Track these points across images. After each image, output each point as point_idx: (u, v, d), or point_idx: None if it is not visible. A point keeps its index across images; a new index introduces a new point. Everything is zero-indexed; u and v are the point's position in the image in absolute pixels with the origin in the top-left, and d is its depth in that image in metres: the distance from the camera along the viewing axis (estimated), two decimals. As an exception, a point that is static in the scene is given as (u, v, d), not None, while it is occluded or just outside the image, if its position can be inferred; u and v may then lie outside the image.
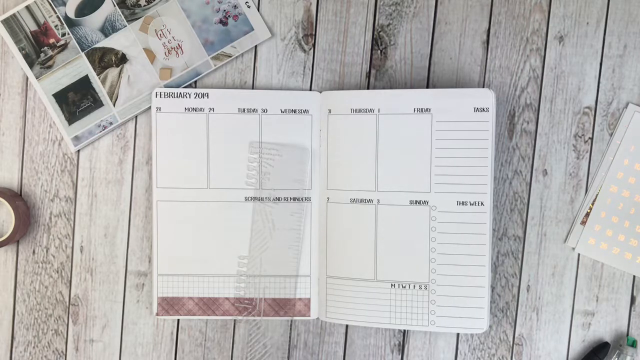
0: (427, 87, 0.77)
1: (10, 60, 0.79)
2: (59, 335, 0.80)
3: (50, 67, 0.77)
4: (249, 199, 0.77)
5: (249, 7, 0.77)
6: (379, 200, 0.74)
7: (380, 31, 0.78)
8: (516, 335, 0.78)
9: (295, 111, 0.77)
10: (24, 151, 0.79)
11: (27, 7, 0.77)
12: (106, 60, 0.78)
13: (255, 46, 0.78)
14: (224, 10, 0.77)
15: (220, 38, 0.77)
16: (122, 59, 0.78)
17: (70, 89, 0.78)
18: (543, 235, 0.77)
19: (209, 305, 0.77)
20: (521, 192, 0.77)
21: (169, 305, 0.77)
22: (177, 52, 0.77)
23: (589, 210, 0.76)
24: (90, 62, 0.78)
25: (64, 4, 0.77)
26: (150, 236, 0.79)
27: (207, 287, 0.77)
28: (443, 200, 0.72)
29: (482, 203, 0.72)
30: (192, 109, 0.76)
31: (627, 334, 0.77)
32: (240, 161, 0.77)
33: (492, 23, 0.77)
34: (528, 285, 0.77)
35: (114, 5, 0.77)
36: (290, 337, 0.79)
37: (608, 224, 0.76)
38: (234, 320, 0.79)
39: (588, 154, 0.77)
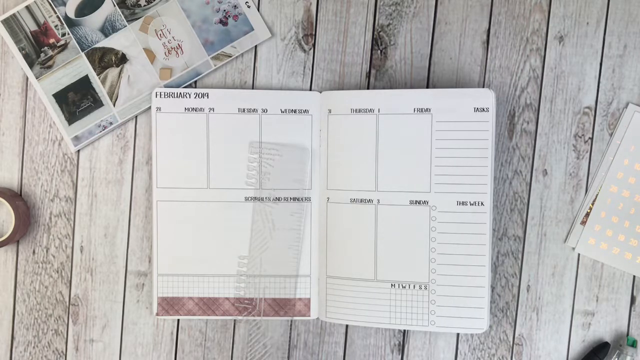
0: (427, 87, 0.77)
1: (10, 60, 0.79)
2: (59, 335, 0.80)
3: (50, 67, 0.77)
4: (249, 199, 0.77)
5: (249, 7, 0.77)
6: (379, 200, 0.74)
7: (380, 31, 0.78)
8: (516, 335, 0.78)
9: (295, 111, 0.77)
10: (24, 151, 0.79)
11: (27, 7, 0.77)
12: (106, 60, 0.78)
13: (255, 46, 0.78)
14: (224, 10, 0.77)
15: (220, 38, 0.77)
16: (122, 59, 0.78)
17: (70, 89, 0.78)
18: (543, 235, 0.77)
19: (209, 305, 0.77)
20: (521, 192, 0.77)
21: (169, 305, 0.77)
22: (177, 52, 0.77)
23: (589, 210, 0.76)
24: (90, 62, 0.78)
25: (64, 4, 0.77)
26: (150, 236, 0.79)
27: (207, 287, 0.77)
28: (443, 200, 0.72)
29: (482, 203, 0.72)
30: (192, 109, 0.76)
31: (627, 334, 0.77)
32: (240, 161, 0.77)
33: (492, 23, 0.77)
34: (528, 285, 0.77)
35: (114, 5, 0.77)
36: (290, 337, 0.79)
37: (608, 224, 0.76)
38: (234, 320, 0.79)
39: (588, 154, 0.77)
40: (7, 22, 0.77)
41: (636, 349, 0.75)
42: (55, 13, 0.77)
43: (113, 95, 0.78)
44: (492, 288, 0.77)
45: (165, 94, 0.76)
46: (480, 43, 0.77)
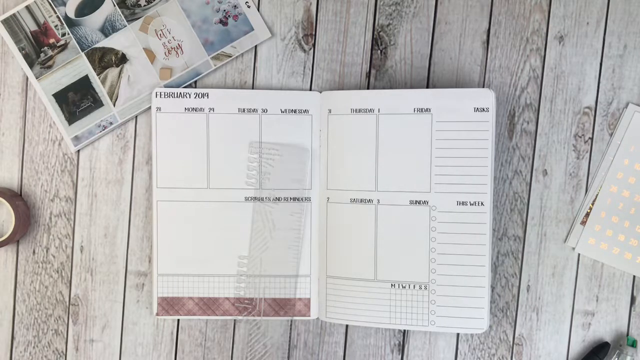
0: (427, 87, 0.77)
1: (10, 60, 0.79)
2: (59, 335, 0.80)
3: (50, 67, 0.77)
4: (249, 199, 0.77)
5: (249, 7, 0.77)
6: (379, 200, 0.74)
7: (380, 31, 0.78)
8: (516, 335, 0.78)
9: (295, 111, 0.77)
10: (24, 151, 0.79)
11: (27, 7, 0.77)
12: (106, 60, 0.78)
13: (255, 46, 0.78)
14: (224, 10, 0.77)
15: (220, 38, 0.77)
16: (122, 59, 0.78)
17: (70, 89, 0.78)
18: (543, 235, 0.77)
19: (209, 305, 0.77)
20: (521, 192, 0.77)
21: (169, 305, 0.77)
22: (177, 52, 0.77)
23: (589, 210, 0.76)
24: (90, 62, 0.78)
25: (64, 4, 0.77)
26: (150, 236, 0.79)
27: (207, 287, 0.77)
28: (443, 200, 0.72)
29: (482, 203, 0.72)
30: (192, 109, 0.76)
31: (627, 334, 0.77)
32: (240, 161, 0.77)
33: (492, 23, 0.77)
34: (528, 285, 0.77)
35: (114, 5, 0.77)
36: (290, 337, 0.79)
37: (608, 224, 0.76)
38: (234, 320, 0.79)
39: (588, 154, 0.77)
40: (7, 22, 0.77)
41: (636, 349, 0.75)
42: (55, 13, 0.77)
43: (113, 95, 0.78)
44: (492, 288, 0.77)
45: (165, 94, 0.76)
46: (480, 43, 0.77)
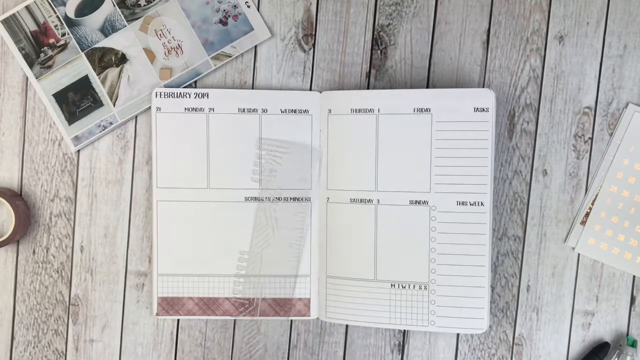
0: (427, 87, 0.77)
1: (10, 60, 0.79)
2: (59, 335, 0.80)
3: (50, 67, 0.77)
4: (249, 199, 0.77)
5: (248, 7, 0.77)
6: (379, 200, 0.74)
7: (380, 31, 0.78)
8: (516, 335, 0.78)
9: (295, 111, 0.77)
10: (24, 151, 0.79)
11: (27, 7, 0.77)
12: (106, 60, 0.78)
13: (255, 46, 0.78)
14: (224, 10, 0.77)
15: (220, 38, 0.77)
16: (122, 59, 0.78)
17: (70, 89, 0.78)
18: (543, 235, 0.77)
19: (209, 305, 0.77)
20: (521, 192, 0.77)
21: (169, 305, 0.77)
22: (177, 52, 0.77)
23: (588, 210, 0.76)
24: (90, 62, 0.78)
25: (64, 4, 0.77)
26: (150, 236, 0.79)
27: (207, 287, 0.77)
28: (443, 200, 0.72)
29: (482, 203, 0.72)
30: (192, 109, 0.76)
31: (627, 334, 0.77)
32: (240, 161, 0.76)
33: (492, 23, 0.77)
34: (528, 285, 0.77)
35: (114, 5, 0.77)
36: (290, 337, 0.79)
37: (608, 224, 0.76)
38: (234, 320, 0.79)
39: (588, 154, 0.77)
40: (7, 22, 0.77)
41: (636, 349, 0.75)
42: (55, 13, 0.77)
43: (113, 95, 0.78)
44: (492, 288, 0.77)
45: (165, 94, 0.76)
46: (480, 43, 0.77)
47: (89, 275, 0.79)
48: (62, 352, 0.80)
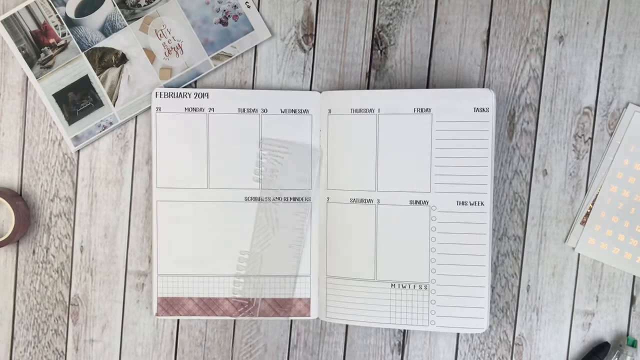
0: (427, 87, 0.77)
1: (10, 60, 0.79)
2: (59, 335, 0.80)
3: (50, 67, 0.77)
4: (249, 199, 0.77)
5: (249, 7, 0.77)
6: (379, 200, 0.74)
7: (380, 31, 0.78)
8: (516, 335, 0.78)
9: (295, 111, 0.77)
10: (24, 151, 0.79)
11: (27, 7, 0.77)
12: (106, 60, 0.78)
13: (255, 46, 0.78)
14: (224, 10, 0.77)
15: (220, 38, 0.77)
16: (122, 59, 0.78)
17: (70, 89, 0.78)
18: (543, 235, 0.77)
19: (209, 305, 0.77)
20: (521, 192, 0.77)
21: (169, 305, 0.77)
22: (177, 52, 0.77)
23: (589, 210, 0.76)
24: (90, 62, 0.78)
25: (64, 4, 0.77)
26: (150, 236, 0.79)
27: (207, 287, 0.77)
28: (443, 200, 0.72)
29: (482, 203, 0.72)
30: (192, 109, 0.76)
31: (627, 334, 0.77)
32: (240, 161, 0.77)
33: (492, 23, 0.77)
34: (528, 285, 0.77)
35: (114, 5, 0.77)
36: (290, 337, 0.79)
37: (608, 224, 0.76)
38: (234, 320, 0.79)
39: (588, 154, 0.77)
40: (7, 22, 0.77)
41: (636, 349, 0.75)
42: (55, 13, 0.77)
43: (113, 95, 0.78)
44: (492, 288, 0.77)
45: (165, 94, 0.76)
46: (480, 43, 0.77)
47: (89, 275, 0.79)
48: (62, 352, 0.80)
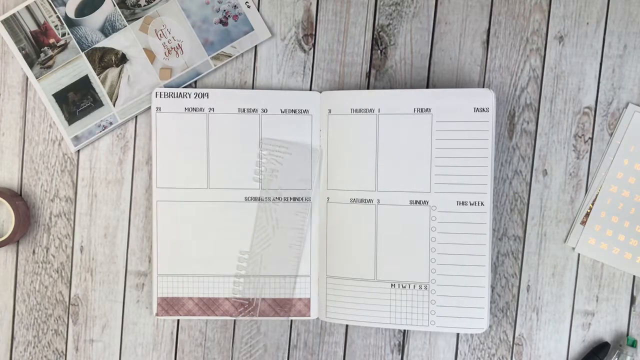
0: (427, 87, 0.77)
1: (10, 60, 0.79)
2: (59, 335, 0.80)
3: (50, 67, 0.77)
4: (249, 199, 0.77)
5: (249, 7, 0.77)
6: (379, 200, 0.74)
7: (380, 31, 0.78)
8: (516, 335, 0.78)
9: (295, 111, 0.77)
10: (24, 151, 0.79)
11: (27, 7, 0.77)
12: (106, 60, 0.78)
13: (255, 46, 0.78)
14: (224, 10, 0.77)
15: (220, 38, 0.77)
16: (122, 59, 0.78)
17: (70, 89, 0.78)
18: (543, 235, 0.77)
19: (208, 305, 0.77)
20: (521, 192, 0.77)
21: (169, 305, 0.77)
22: (177, 52, 0.77)
23: (589, 210, 0.76)
24: (90, 62, 0.78)
25: (64, 4, 0.77)
26: (150, 236, 0.79)
27: (207, 287, 0.77)
28: (443, 200, 0.72)
29: (482, 203, 0.72)
30: (192, 109, 0.76)
31: (627, 334, 0.77)
32: (240, 161, 0.77)
33: (492, 23, 0.77)
34: (528, 285, 0.77)
35: (114, 5, 0.77)
36: (290, 337, 0.79)
37: (608, 224, 0.76)
38: (234, 320, 0.79)
39: (588, 154, 0.77)
40: (7, 22, 0.77)
41: (636, 349, 0.75)
42: (55, 13, 0.77)
43: (113, 95, 0.78)
44: (492, 288, 0.77)
45: (165, 94, 0.76)
46: (480, 43, 0.77)
47: (89, 275, 0.79)
48: (62, 352, 0.80)
